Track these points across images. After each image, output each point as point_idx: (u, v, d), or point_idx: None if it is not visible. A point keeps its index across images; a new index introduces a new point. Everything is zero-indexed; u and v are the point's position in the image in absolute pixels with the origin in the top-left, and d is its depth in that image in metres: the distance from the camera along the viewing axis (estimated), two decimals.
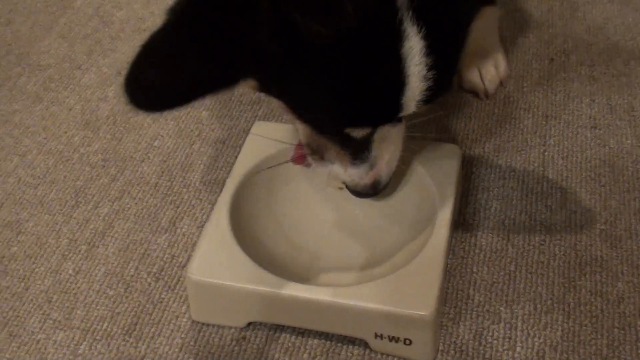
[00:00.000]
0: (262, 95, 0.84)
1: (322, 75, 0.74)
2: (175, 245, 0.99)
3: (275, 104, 0.86)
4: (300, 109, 0.81)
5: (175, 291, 0.94)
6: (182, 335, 0.89)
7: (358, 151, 0.85)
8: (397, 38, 0.73)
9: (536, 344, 0.87)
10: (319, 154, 0.88)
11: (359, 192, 0.90)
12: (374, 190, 0.89)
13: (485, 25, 1.17)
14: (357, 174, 0.87)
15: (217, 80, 0.71)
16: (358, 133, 0.82)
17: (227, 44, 0.70)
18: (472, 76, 1.18)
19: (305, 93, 0.77)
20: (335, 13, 0.70)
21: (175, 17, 0.70)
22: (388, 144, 0.87)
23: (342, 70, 0.73)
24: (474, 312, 0.90)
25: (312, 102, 0.78)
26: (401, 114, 0.80)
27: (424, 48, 0.74)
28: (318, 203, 0.99)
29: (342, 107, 0.77)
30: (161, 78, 0.70)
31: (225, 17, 0.69)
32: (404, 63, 0.74)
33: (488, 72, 1.18)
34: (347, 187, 0.91)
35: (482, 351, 0.87)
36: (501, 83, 1.20)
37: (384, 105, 0.78)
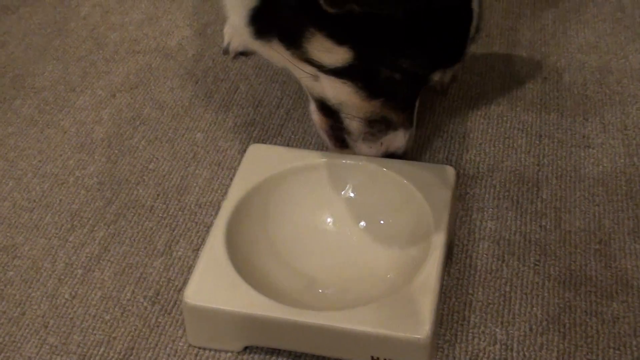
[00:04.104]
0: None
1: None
2: (171, 268, 0.99)
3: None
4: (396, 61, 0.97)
5: (172, 315, 0.94)
6: None
7: (410, 112, 1.01)
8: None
9: None
10: (379, 127, 1.00)
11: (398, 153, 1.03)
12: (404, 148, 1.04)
13: None
14: (410, 134, 1.02)
15: None
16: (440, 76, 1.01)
17: None
18: None
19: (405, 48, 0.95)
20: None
21: None
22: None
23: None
24: (470, 334, 0.91)
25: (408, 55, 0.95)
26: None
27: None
28: (313, 226, 0.99)
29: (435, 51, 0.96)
30: None
31: None
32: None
33: None
34: (388, 151, 1.02)
35: None
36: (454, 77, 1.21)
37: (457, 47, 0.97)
